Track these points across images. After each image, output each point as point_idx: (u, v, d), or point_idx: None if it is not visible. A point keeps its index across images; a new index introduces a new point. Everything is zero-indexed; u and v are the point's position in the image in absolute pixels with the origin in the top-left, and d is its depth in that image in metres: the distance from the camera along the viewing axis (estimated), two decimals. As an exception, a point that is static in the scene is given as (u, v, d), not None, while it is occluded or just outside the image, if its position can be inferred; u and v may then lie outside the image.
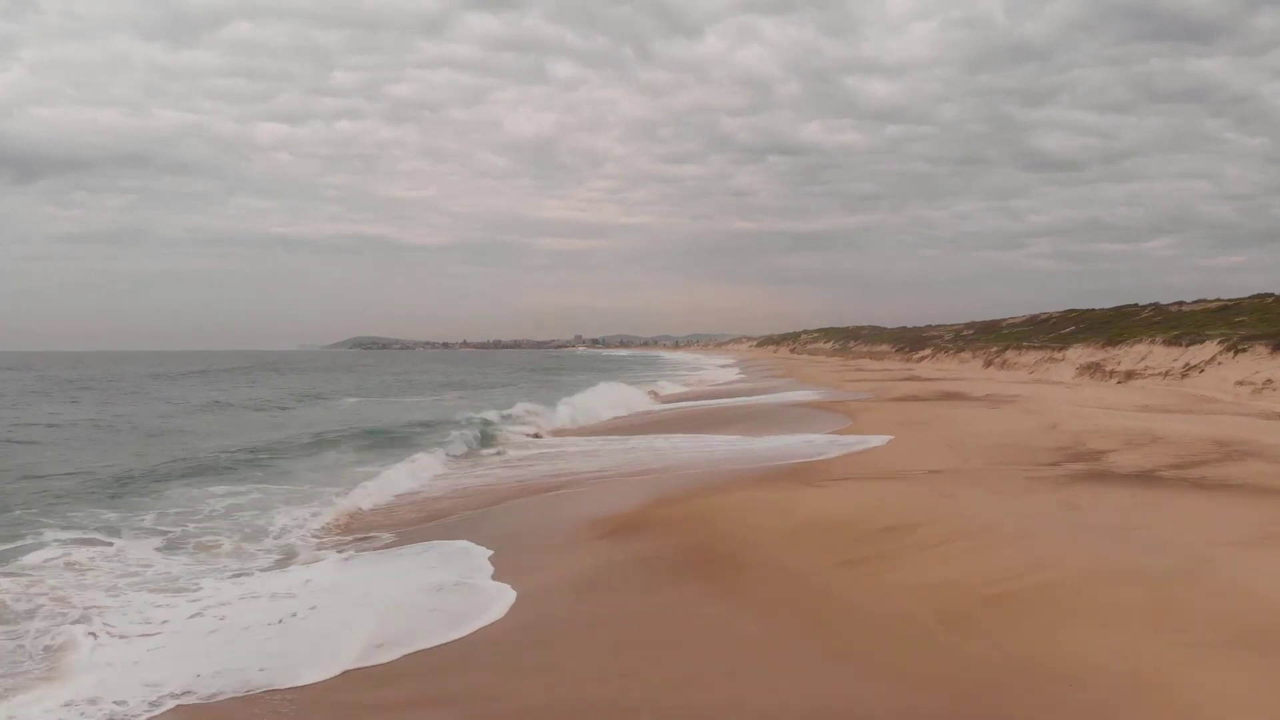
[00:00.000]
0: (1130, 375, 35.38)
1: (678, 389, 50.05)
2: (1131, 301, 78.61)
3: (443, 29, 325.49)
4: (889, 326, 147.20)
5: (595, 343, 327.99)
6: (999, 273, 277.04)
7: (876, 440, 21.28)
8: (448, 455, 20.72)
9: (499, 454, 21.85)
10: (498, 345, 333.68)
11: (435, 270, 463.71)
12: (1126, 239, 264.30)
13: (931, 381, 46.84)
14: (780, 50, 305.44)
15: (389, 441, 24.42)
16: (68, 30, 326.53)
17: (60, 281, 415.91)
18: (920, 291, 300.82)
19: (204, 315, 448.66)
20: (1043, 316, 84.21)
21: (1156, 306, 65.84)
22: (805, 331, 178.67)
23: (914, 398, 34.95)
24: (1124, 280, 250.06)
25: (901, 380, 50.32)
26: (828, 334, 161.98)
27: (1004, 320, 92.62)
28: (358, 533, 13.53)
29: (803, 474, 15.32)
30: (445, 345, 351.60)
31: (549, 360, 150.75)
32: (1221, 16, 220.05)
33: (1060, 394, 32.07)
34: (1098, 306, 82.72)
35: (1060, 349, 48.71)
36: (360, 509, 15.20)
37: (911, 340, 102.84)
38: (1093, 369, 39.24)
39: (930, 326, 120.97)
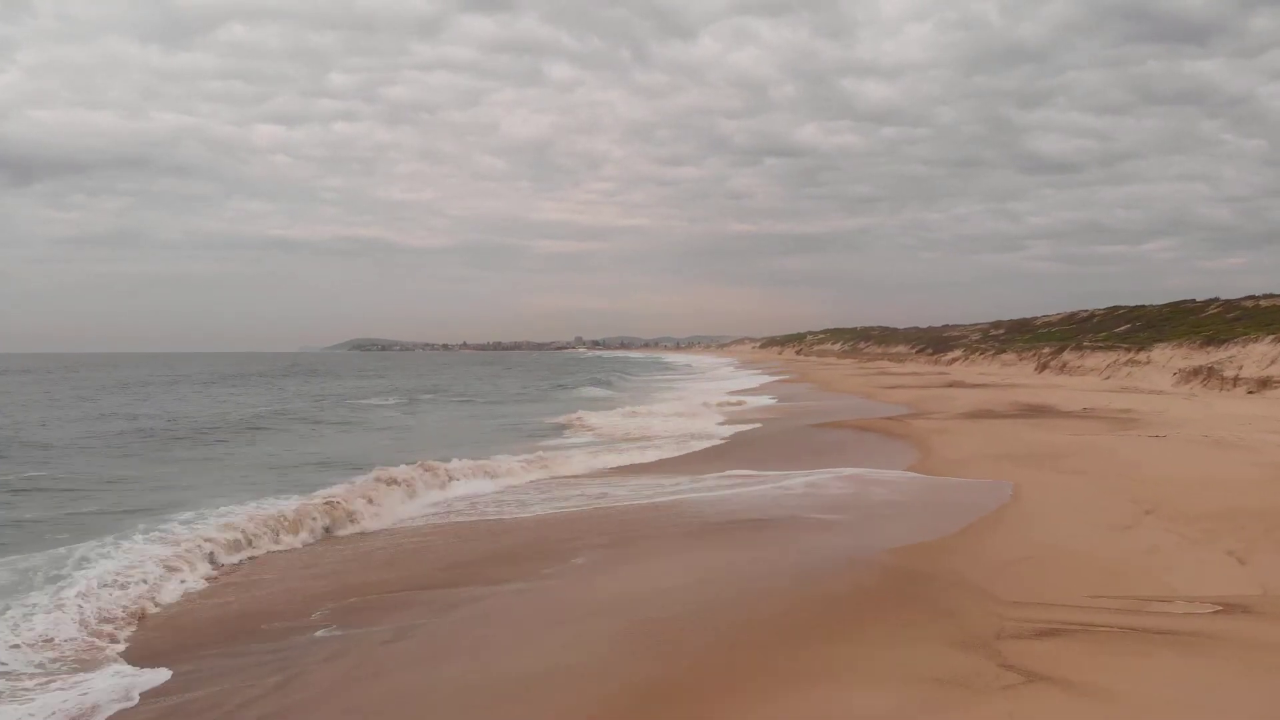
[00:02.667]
0: (1265, 383, 27.73)
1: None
2: (1131, 304, 71.48)
3: (438, 31, 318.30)
4: (897, 327, 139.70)
5: (596, 344, 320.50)
6: (999, 275, 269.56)
7: (990, 491, 13.61)
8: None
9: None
10: (498, 347, 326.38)
11: (434, 273, 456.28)
12: (1125, 241, 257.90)
13: (987, 389, 39.09)
14: (776, 52, 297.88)
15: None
16: (63, 33, 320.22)
17: (60, 284, 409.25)
18: (920, 293, 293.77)
19: (204, 318, 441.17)
20: (1083, 314, 76.64)
21: (1226, 302, 58.27)
22: (811, 333, 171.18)
23: (987, 413, 27.21)
24: (1124, 283, 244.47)
25: (946, 387, 42.61)
26: (835, 335, 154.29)
27: (1038, 319, 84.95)
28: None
29: (939, 597, 7.63)
30: (445, 347, 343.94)
31: (568, 363, 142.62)
32: (1217, 17, 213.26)
33: (1197, 409, 24.32)
34: (1096, 307, 75.70)
35: (1138, 350, 40.88)
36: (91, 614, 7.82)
37: (933, 341, 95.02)
38: (1202, 374, 31.46)
39: (950, 326, 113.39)
